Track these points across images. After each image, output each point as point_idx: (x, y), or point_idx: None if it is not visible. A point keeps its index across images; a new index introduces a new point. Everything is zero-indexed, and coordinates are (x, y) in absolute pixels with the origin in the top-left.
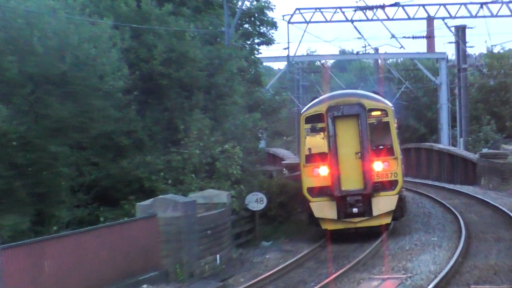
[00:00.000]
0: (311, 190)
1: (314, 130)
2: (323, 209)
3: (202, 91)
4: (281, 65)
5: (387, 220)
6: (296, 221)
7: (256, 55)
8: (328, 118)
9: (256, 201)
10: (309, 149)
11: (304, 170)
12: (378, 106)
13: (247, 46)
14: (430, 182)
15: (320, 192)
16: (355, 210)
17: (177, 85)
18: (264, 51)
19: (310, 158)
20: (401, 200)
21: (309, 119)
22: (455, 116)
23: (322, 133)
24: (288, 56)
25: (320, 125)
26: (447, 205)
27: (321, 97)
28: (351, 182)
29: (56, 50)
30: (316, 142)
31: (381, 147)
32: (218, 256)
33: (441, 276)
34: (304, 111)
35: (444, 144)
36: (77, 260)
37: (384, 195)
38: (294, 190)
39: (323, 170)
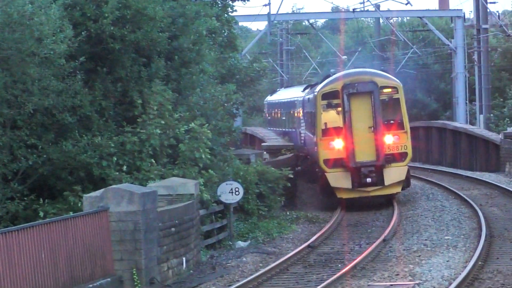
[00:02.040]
0: (327, 161)
1: (330, 106)
2: (338, 179)
3: (163, 57)
4: (260, 26)
5: (398, 189)
6: (278, 216)
7: (230, 13)
8: (343, 95)
9: (230, 192)
10: (325, 123)
11: (320, 143)
12: (390, 83)
13: (218, 2)
14: (443, 168)
15: (336, 163)
16: (368, 180)
17: (132, 49)
18: (240, 8)
19: (326, 132)
20: (408, 172)
21: (325, 96)
22: (474, 88)
23: (337, 109)
24: (269, 14)
25: (335, 101)
26: (464, 197)
27: (335, 75)
28: (365, 154)
29: None
30: (332, 117)
31: (392, 121)
32: (184, 259)
33: (456, 283)
34: (320, 88)
35: (460, 122)
36: (8, 265)
37: (395, 166)
38: (276, 178)
39: (338, 143)
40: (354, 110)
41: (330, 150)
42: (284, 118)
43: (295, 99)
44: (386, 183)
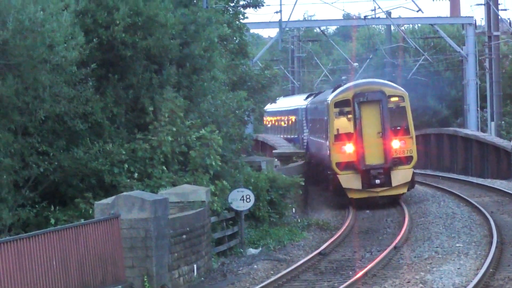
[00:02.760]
0: (339, 164)
1: (342, 113)
2: (349, 180)
3: (174, 64)
4: (272, 33)
5: (404, 190)
6: (289, 223)
7: (241, 20)
8: (354, 103)
9: (242, 199)
10: (337, 129)
11: (332, 148)
12: (397, 93)
13: (230, 9)
14: (454, 175)
15: (347, 166)
16: (377, 181)
17: (144, 56)
18: (251, 16)
19: (338, 137)
20: (413, 174)
21: (337, 104)
22: (485, 95)
23: (348, 116)
24: (280, 21)
25: (347, 109)
26: (475, 204)
27: (346, 85)
28: (374, 158)
29: None
30: (343, 124)
31: (398, 128)
32: (195, 266)
33: None
34: (333, 97)
35: (471, 129)
36: (19, 271)
37: (401, 168)
38: (287, 185)
39: (349, 148)
40: (364, 117)
41: (342, 154)
42: (285, 125)
43: (298, 107)
44: (393, 184)
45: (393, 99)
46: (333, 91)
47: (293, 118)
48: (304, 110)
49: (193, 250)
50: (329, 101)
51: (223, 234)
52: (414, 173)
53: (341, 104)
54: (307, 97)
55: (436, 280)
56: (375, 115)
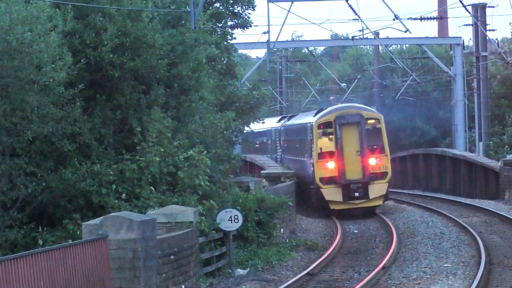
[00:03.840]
0: (322, 179)
1: (324, 134)
2: (331, 193)
3: (162, 85)
4: (260, 53)
5: (380, 202)
6: (278, 243)
7: (229, 41)
8: (336, 125)
9: (230, 220)
10: (320, 148)
11: (316, 165)
12: (373, 116)
13: (218, 30)
14: (442, 195)
15: (329, 180)
16: (356, 194)
17: (131, 77)
18: (239, 36)
19: (321, 155)
20: (387, 188)
21: (320, 126)
22: (473, 115)
23: (330, 136)
24: (268, 42)
25: (329, 130)
26: (464, 224)
27: (328, 109)
28: (353, 173)
29: None
30: (326, 143)
31: (375, 147)
32: (183, 286)
33: None
34: (317, 119)
35: (459, 150)
36: None
37: (377, 183)
38: (275, 205)
39: (331, 164)
40: (345, 137)
41: (325, 170)
42: (257, 146)
43: (271, 128)
44: (371, 197)
45: (370, 121)
46: (315, 114)
47: (264, 139)
48: (278, 131)
49: (181, 270)
50: (313, 123)
51: (211, 255)
52: (388, 187)
53: (324, 126)
54: (279, 120)
55: None
56: (354, 135)
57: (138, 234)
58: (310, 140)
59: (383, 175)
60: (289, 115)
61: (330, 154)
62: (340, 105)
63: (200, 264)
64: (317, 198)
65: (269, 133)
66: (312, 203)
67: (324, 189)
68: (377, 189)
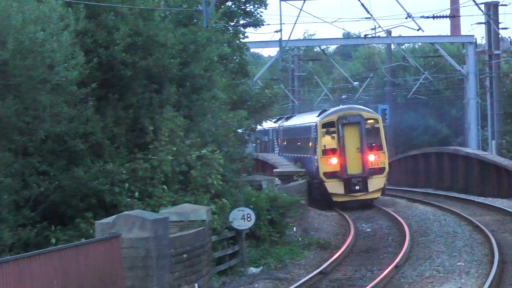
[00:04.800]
0: (325, 174)
1: (328, 133)
2: (334, 187)
3: (174, 84)
4: (272, 52)
5: (378, 194)
6: (290, 242)
7: (241, 40)
8: (338, 124)
9: (243, 218)
10: (324, 145)
11: (320, 161)
12: (372, 116)
13: (230, 29)
14: (455, 194)
15: (332, 175)
16: (357, 187)
17: (143, 76)
18: (252, 35)
19: (325, 152)
20: (385, 182)
21: (324, 125)
22: (486, 114)
23: (332, 135)
24: (280, 40)
25: (332, 129)
26: (476, 223)
27: (331, 110)
28: (354, 168)
29: None
30: (329, 141)
31: (373, 144)
32: (196, 285)
33: None
34: (321, 119)
35: (472, 148)
36: None
37: (376, 177)
38: (287, 204)
39: (334, 160)
40: (346, 135)
41: (328, 165)
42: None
43: (268, 128)
44: (370, 190)
45: (369, 121)
46: (319, 115)
47: (264, 138)
48: (275, 131)
49: (193, 269)
50: (317, 123)
51: (224, 253)
52: (385, 181)
53: (327, 125)
54: (277, 120)
55: None
56: (355, 134)
57: (150, 233)
58: (314, 138)
59: (381, 170)
60: (285, 116)
61: (333, 151)
62: (341, 106)
63: (213, 262)
64: (320, 191)
65: (267, 132)
66: (314, 196)
67: (327, 182)
68: (376, 183)
